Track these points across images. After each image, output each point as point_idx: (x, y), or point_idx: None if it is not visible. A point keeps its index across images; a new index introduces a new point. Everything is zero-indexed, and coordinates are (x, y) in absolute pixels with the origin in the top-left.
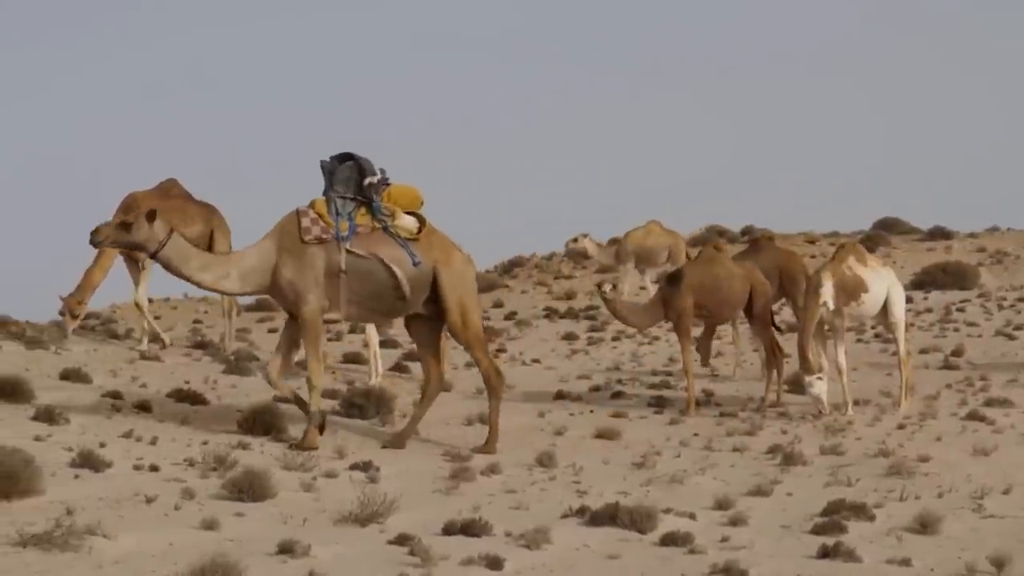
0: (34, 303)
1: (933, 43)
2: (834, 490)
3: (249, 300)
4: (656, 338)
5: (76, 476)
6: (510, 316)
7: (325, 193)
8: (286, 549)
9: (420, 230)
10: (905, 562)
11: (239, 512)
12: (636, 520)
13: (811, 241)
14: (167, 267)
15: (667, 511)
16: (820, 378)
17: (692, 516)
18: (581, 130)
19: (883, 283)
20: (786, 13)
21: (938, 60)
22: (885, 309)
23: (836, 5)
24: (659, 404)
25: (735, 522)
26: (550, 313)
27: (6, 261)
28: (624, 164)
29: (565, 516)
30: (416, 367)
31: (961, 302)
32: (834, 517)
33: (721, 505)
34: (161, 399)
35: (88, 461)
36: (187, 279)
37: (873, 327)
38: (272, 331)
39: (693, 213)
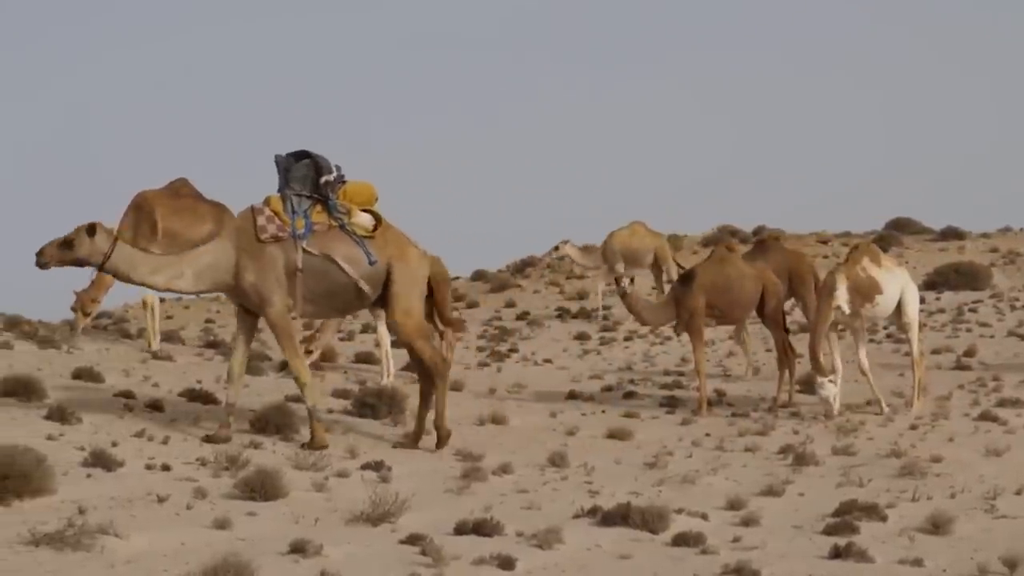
0: (45, 303)
1: (948, 43)
2: (846, 490)
3: None
4: (668, 338)
5: (88, 475)
6: (522, 316)
7: (280, 190)
8: (298, 549)
9: (376, 227)
10: (917, 562)
11: (251, 511)
12: (648, 520)
13: (823, 241)
14: (117, 276)
15: (679, 511)
16: (831, 380)
17: (704, 516)
18: (592, 129)
19: (897, 284)
20: (799, 12)
21: (951, 60)
22: (899, 309)
23: (849, 5)
24: (671, 404)
25: (747, 522)
26: (562, 313)
27: (17, 261)
28: (636, 164)
29: (577, 516)
30: None
31: (973, 302)
32: (846, 517)
33: (733, 505)
34: (173, 398)
35: (100, 460)
36: (140, 284)
37: (885, 327)
38: None
39: (705, 213)
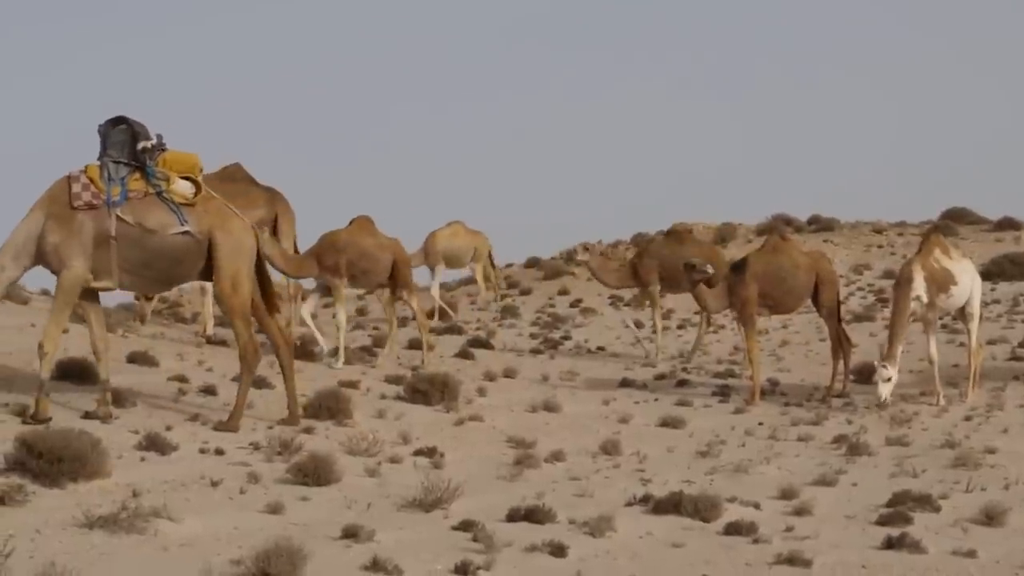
0: None
1: (1003, 30)
2: (899, 481)
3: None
4: (721, 327)
5: (142, 459)
6: (575, 303)
7: (99, 158)
8: (350, 534)
9: (196, 195)
10: (971, 553)
11: (304, 496)
12: (700, 509)
13: (878, 231)
14: None
15: (731, 500)
16: (884, 366)
17: (757, 506)
18: (643, 120)
19: (968, 275)
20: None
21: (1007, 48)
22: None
23: None
24: (724, 393)
25: (800, 512)
26: (615, 301)
27: None
28: (692, 151)
29: (629, 504)
30: (481, 354)
31: None
32: (899, 508)
33: (786, 495)
34: (227, 383)
35: (154, 444)
36: None
37: (941, 318)
38: None
39: (759, 202)
